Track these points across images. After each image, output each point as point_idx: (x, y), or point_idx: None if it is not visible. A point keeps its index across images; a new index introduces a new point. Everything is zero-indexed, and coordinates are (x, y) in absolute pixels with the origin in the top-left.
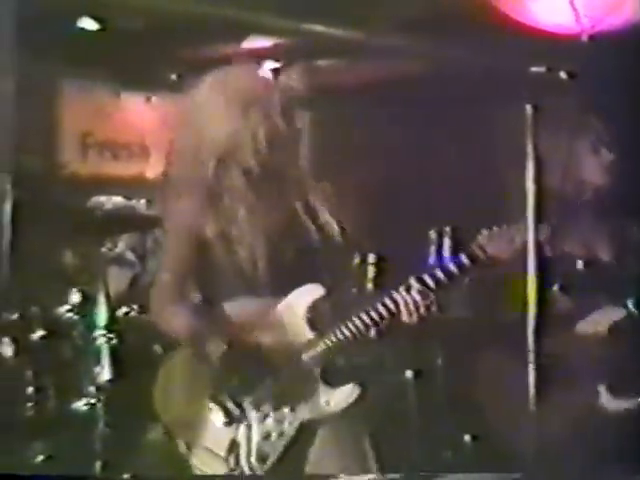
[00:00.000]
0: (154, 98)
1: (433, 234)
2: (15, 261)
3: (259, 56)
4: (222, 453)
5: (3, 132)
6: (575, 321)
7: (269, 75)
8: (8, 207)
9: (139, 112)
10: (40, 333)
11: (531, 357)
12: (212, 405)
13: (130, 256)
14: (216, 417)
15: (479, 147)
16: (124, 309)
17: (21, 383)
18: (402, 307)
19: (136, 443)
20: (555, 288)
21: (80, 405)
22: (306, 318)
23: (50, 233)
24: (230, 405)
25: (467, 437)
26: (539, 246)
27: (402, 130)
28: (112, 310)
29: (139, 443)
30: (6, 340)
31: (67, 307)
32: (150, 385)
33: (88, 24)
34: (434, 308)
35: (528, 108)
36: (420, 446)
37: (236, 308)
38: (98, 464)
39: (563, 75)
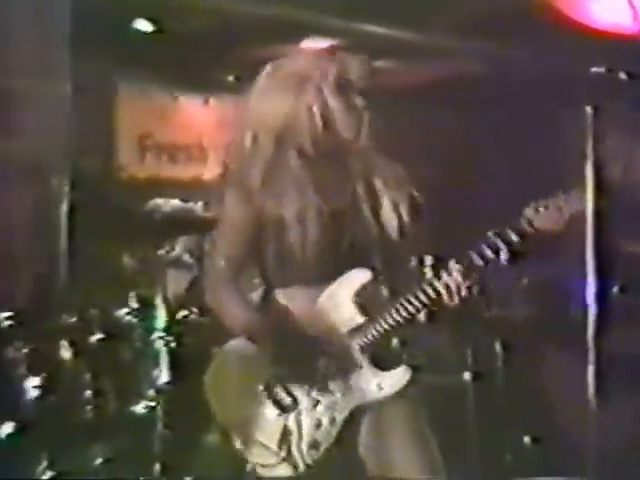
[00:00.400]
0: (212, 100)
1: (491, 235)
2: (73, 264)
3: None
4: (274, 444)
5: (61, 135)
6: (635, 321)
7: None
8: (65, 209)
9: (197, 114)
10: (99, 336)
11: (591, 357)
12: (264, 395)
13: (188, 259)
14: (268, 407)
15: (539, 148)
16: (183, 312)
17: (80, 386)
18: (442, 290)
19: (195, 445)
20: (615, 289)
21: (139, 408)
22: (355, 302)
23: (108, 236)
24: (281, 394)
25: (527, 439)
26: (598, 247)
27: (461, 131)
28: (171, 313)
29: (198, 445)
30: (65, 343)
31: (126, 310)
32: None
33: (143, 26)
34: (476, 289)
35: (588, 109)
36: (479, 448)
37: (290, 296)
38: (157, 466)
39: (623, 76)
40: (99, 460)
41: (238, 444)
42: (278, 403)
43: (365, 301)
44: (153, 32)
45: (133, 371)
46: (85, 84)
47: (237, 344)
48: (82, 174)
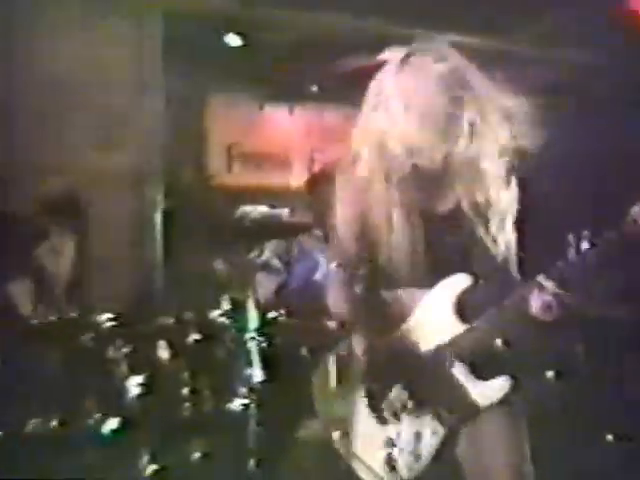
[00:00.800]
0: (296, 109)
1: (572, 237)
2: (169, 269)
3: None
4: (377, 457)
5: (154, 145)
6: None
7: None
8: (160, 217)
9: (282, 123)
10: (195, 337)
11: None
12: (366, 407)
13: (276, 262)
14: (370, 418)
15: (622, 150)
16: (272, 313)
17: (178, 384)
18: (534, 304)
19: (288, 441)
20: None
21: (234, 405)
22: (455, 309)
23: (200, 241)
24: (383, 406)
25: (610, 437)
26: None
27: (559, 134)
28: (261, 314)
29: (291, 441)
30: (163, 343)
31: (219, 312)
32: (299, 386)
33: (232, 40)
34: (571, 301)
35: None
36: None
37: (394, 298)
38: (252, 461)
39: None
40: (197, 455)
41: (341, 451)
42: (380, 414)
43: (465, 308)
44: (241, 46)
45: (227, 370)
46: (177, 98)
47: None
48: (175, 183)
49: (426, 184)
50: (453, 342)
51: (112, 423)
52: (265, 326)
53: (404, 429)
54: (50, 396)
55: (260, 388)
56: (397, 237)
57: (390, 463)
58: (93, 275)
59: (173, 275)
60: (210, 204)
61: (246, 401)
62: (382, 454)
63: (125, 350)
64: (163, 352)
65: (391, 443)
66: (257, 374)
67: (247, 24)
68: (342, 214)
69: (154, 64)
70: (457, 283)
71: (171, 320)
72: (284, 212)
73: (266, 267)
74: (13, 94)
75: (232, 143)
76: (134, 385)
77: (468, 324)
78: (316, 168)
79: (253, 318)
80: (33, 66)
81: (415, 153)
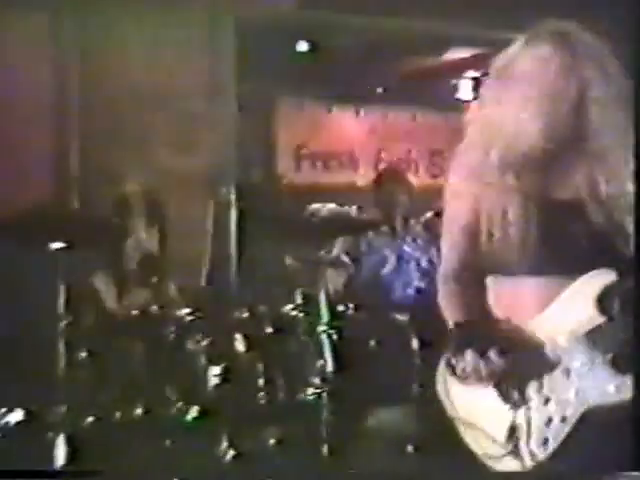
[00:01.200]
0: (362, 111)
1: None
2: (243, 265)
3: (459, 67)
4: (501, 437)
5: (228, 148)
6: None
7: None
8: (234, 216)
9: (348, 124)
10: (269, 330)
11: None
12: (492, 388)
13: (345, 258)
14: (495, 399)
15: None
16: (341, 307)
17: (254, 375)
18: None
19: (358, 429)
20: None
21: (307, 395)
22: (597, 303)
23: (272, 239)
24: (510, 388)
25: None
26: None
27: None
28: (332, 308)
29: (361, 429)
30: (239, 336)
31: (292, 306)
32: (368, 375)
33: (302, 46)
34: None
35: None
36: None
37: (513, 286)
38: (324, 448)
39: None
40: (272, 441)
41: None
42: (506, 396)
43: (606, 301)
44: (309, 51)
45: (300, 361)
46: (248, 102)
47: None
48: (247, 183)
49: (544, 171)
50: (592, 335)
51: (193, 411)
52: (335, 319)
53: (534, 415)
54: (135, 386)
55: (331, 378)
56: (513, 225)
57: (515, 444)
58: (173, 271)
59: (248, 272)
60: (280, 203)
61: (318, 391)
62: (508, 436)
63: (204, 343)
64: (239, 344)
65: (518, 427)
66: (329, 365)
67: (315, 29)
68: (453, 205)
69: (227, 70)
70: (599, 278)
71: (246, 314)
72: (352, 209)
73: (335, 263)
74: (95, 100)
75: (301, 144)
76: (213, 375)
77: (608, 316)
78: (382, 167)
79: (324, 312)
80: (113, 73)
81: (533, 139)
